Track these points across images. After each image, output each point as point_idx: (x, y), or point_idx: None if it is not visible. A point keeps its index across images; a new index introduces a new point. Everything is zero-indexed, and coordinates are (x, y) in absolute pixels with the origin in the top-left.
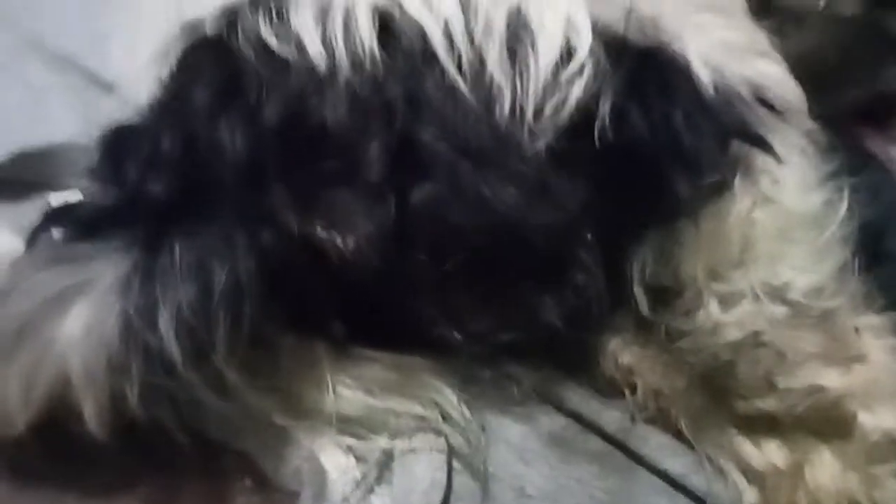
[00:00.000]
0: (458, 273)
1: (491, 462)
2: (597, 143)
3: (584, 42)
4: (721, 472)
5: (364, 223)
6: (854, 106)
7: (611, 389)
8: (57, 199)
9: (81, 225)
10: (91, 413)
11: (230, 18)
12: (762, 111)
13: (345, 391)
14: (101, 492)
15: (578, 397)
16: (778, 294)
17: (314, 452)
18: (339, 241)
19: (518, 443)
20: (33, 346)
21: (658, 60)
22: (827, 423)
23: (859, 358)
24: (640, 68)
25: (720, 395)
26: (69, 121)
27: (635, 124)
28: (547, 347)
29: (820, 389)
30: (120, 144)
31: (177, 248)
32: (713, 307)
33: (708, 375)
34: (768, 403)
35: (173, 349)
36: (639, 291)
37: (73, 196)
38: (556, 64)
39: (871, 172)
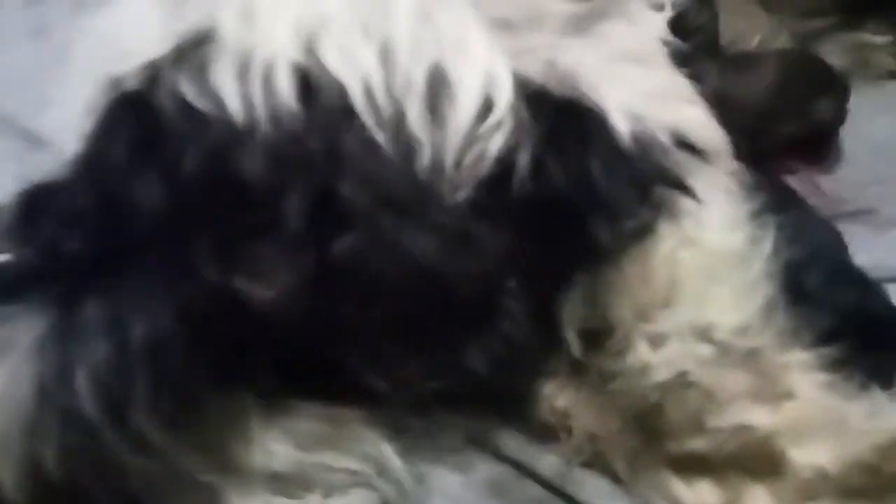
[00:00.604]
0: (383, 322)
1: None
2: (516, 194)
3: (504, 96)
4: None
5: (284, 274)
6: (788, 140)
7: (547, 434)
8: None
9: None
10: (8, 480)
11: (152, 74)
12: (683, 155)
13: (275, 446)
14: None
15: (515, 443)
16: (704, 334)
17: None
18: (259, 292)
19: (455, 493)
20: None
21: (576, 112)
22: (757, 460)
23: (788, 395)
24: (559, 120)
25: (652, 436)
26: (7, 184)
27: (554, 175)
28: (480, 394)
29: (748, 428)
30: (36, 203)
31: (90, 306)
32: (642, 348)
33: (639, 416)
34: (698, 444)
35: (90, 409)
36: (570, 335)
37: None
38: (476, 118)
39: (796, 211)
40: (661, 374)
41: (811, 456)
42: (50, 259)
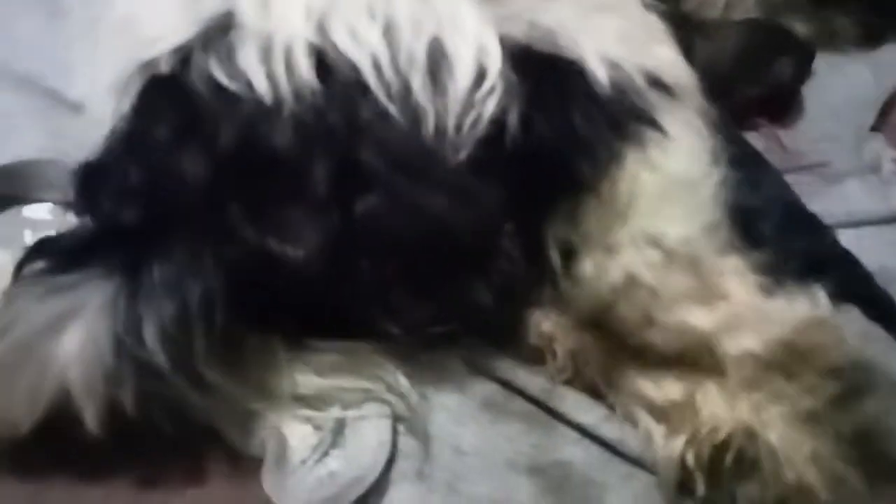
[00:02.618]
0: (397, 273)
1: (431, 425)
2: (509, 148)
3: (494, 63)
4: (631, 417)
5: (312, 236)
6: (751, 101)
7: (534, 358)
8: (28, 211)
9: (65, 256)
10: (91, 418)
11: (183, 57)
12: (655, 93)
13: (299, 375)
14: (97, 475)
15: (506, 367)
16: (654, 241)
17: (276, 424)
18: (290, 252)
19: (454, 408)
20: (37, 364)
21: (557, 67)
22: (697, 353)
23: (723, 296)
24: (542, 78)
25: (614, 338)
26: (36, 139)
27: (540, 130)
28: (480, 329)
29: (689, 326)
30: (91, 181)
31: (154, 270)
32: (599, 255)
33: (598, 320)
34: (651, 336)
35: (160, 359)
36: (553, 252)
37: (40, 209)
38: (471, 85)
39: (752, 164)
40: (614, 277)
41: (743, 343)
42: (109, 231)
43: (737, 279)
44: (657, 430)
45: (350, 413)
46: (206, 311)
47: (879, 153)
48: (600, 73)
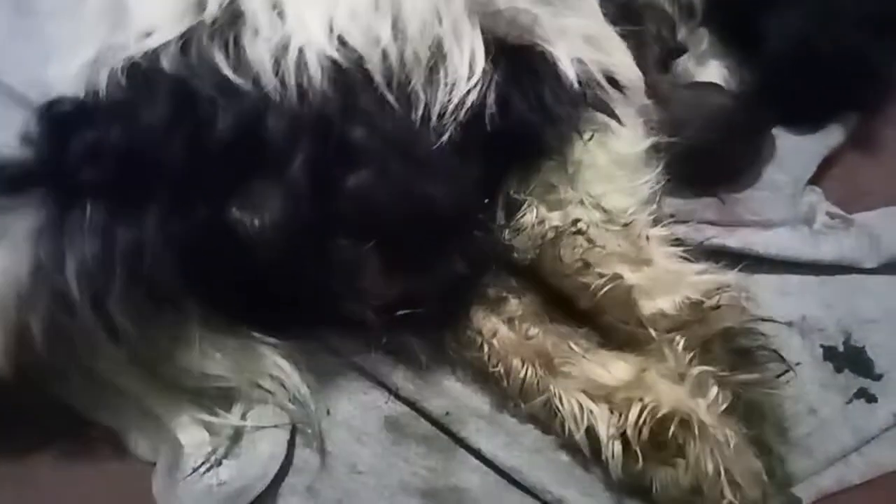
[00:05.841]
0: (375, 251)
1: (330, 441)
2: (487, 127)
3: (480, 62)
4: (573, 401)
5: (274, 208)
6: (713, 173)
7: (468, 351)
8: None
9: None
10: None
11: (183, 44)
12: (610, 88)
13: (211, 351)
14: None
15: (414, 386)
16: (598, 205)
17: (173, 428)
18: (248, 220)
19: (357, 425)
20: None
21: (531, 56)
22: (619, 308)
23: (647, 261)
24: (517, 63)
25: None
26: None
27: (517, 105)
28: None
29: (619, 277)
30: (66, 118)
31: (88, 211)
32: (542, 209)
33: (535, 265)
34: (585, 279)
35: (75, 292)
36: (500, 211)
37: None
38: (460, 81)
39: None
40: (556, 221)
41: (655, 304)
42: (60, 169)
43: (660, 248)
44: (601, 412)
45: (248, 422)
46: (130, 260)
47: (815, 206)
48: (568, 69)
